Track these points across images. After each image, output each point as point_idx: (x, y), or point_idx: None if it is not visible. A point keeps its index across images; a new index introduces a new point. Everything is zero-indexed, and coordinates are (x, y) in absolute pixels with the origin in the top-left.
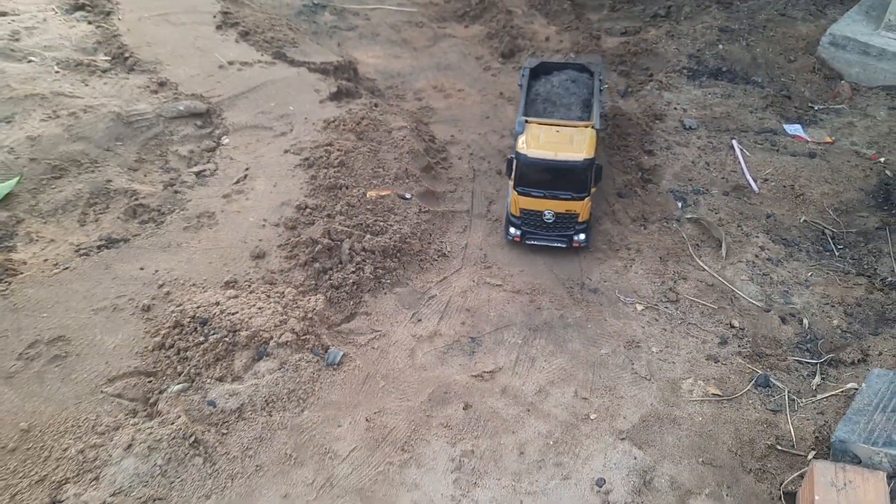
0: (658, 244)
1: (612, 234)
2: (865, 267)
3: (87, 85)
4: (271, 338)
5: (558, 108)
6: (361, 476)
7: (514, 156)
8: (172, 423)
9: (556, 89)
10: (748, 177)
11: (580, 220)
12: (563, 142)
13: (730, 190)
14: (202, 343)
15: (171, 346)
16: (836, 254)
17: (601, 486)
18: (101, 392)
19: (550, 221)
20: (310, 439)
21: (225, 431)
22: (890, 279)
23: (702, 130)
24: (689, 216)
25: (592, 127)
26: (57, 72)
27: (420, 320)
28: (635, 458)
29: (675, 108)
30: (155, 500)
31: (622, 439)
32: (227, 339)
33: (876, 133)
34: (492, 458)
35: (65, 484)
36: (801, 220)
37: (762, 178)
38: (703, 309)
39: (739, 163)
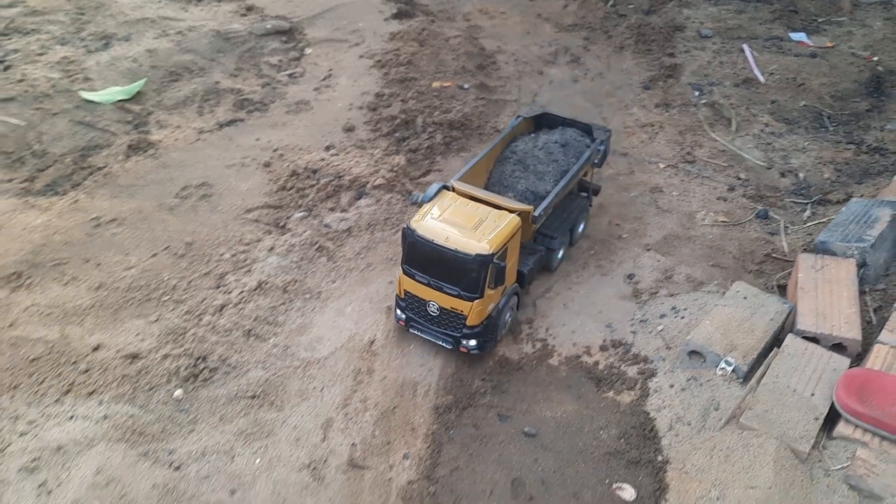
0: (678, 122)
1: (639, 115)
2: (855, 138)
3: (186, 11)
4: (368, 182)
5: (528, 174)
6: None
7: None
8: (301, 235)
9: (536, 150)
10: (756, 71)
11: (468, 323)
12: (466, 224)
13: (740, 82)
14: (315, 185)
15: (292, 188)
16: (831, 129)
17: (631, 279)
18: (243, 218)
19: (435, 314)
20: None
21: (340, 243)
22: (875, 145)
23: (716, 38)
24: (704, 101)
25: (521, 214)
26: (160, 1)
27: None
28: (658, 261)
29: (693, 22)
30: (294, 282)
31: (648, 250)
32: (334, 182)
33: (872, 39)
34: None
35: (225, 275)
36: (802, 105)
37: (768, 73)
38: (715, 167)
39: (749, 61)
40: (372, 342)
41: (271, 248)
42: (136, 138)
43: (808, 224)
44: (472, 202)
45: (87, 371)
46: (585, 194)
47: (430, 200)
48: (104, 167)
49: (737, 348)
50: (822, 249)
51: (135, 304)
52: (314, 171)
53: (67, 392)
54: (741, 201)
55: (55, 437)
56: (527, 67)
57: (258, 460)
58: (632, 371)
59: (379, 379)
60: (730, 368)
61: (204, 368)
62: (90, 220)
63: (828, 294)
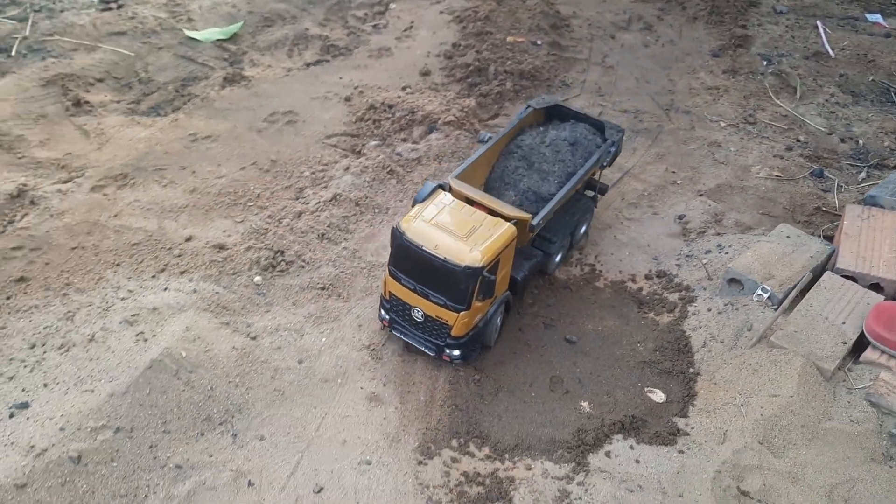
0: (743, 88)
1: (706, 79)
2: None
3: None
4: (439, 119)
5: (532, 173)
6: None
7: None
8: (374, 160)
9: (543, 147)
10: (826, 45)
11: (453, 334)
12: (458, 231)
13: (809, 55)
14: (390, 118)
15: (368, 119)
16: None
17: (682, 219)
18: (323, 143)
19: (420, 321)
20: None
21: (409, 169)
22: None
23: (791, 15)
24: (771, 70)
25: (518, 223)
26: None
27: None
28: (709, 206)
29: None
30: (365, 197)
31: (700, 195)
32: (407, 117)
33: None
34: (603, 201)
35: (304, 189)
36: (870, 79)
37: (839, 48)
38: (775, 129)
39: (820, 35)
40: None
41: (347, 168)
42: (231, 72)
43: (862, 185)
44: (468, 206)
45: (179, 255)
46: (592, 193)
47: (423, 200)
48: (202, 95)
49: (774, 278)
50: (871, 203)
51: (223, 207)
52: (390, 107)
53: (162, 271)
54: (798, 160)
55: (151, 302)
56: (599, 31)
57: (324, 339)
58: (673, 297)
59: None
60: (765, 295)
61: (281, 261)
62: (188, 136)
63: (871, 240)
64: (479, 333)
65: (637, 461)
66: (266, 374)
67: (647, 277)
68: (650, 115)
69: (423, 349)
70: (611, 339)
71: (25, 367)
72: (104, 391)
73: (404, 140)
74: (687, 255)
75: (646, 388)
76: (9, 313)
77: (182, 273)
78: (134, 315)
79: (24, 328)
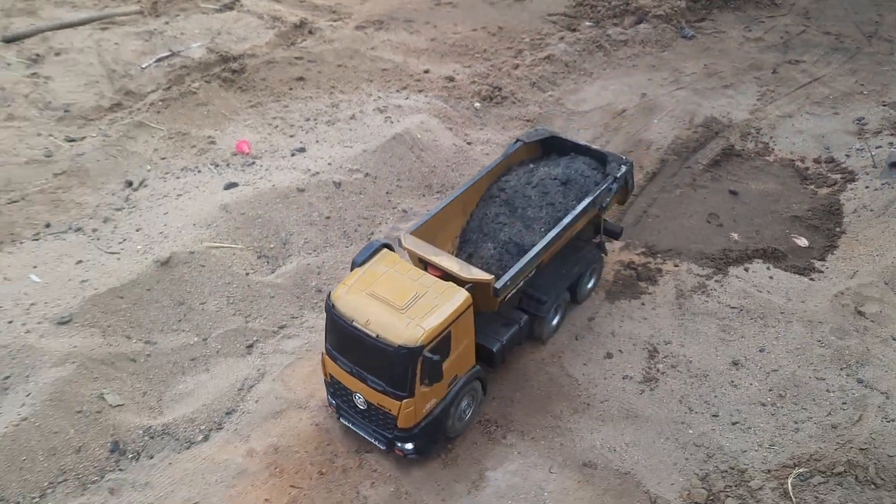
0: None
1: None
2: None
3: None
4: (650, 11)
5: (515, 220)
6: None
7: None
8: (587, 35)
9: (530, 189)
10: None
11: (399, 425)
12: (396, 302)
13: None
14: (606, 5)
15: (587, 4)
16: None
17: (860, 121)
18: (544, 18)
19: (363, 409)
20: (664, 62)
21: (616, 48)
22: None
23: None
24: None
25: (475, 287)
26: None
27: (750, 29)
28: (890, 114)
29: None
30: (574, 62)
31: (884, 104)
32: (621, 6)
33: None
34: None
35: (522, 51)
36: None
37: None
38: None
39: None
40: (623, 111)
41: (562, 38)
42: None
43: None
44: (414, 269)
45: (419, 80)
46: (599, 239)
47: (364, 262)
48: None
49: None
50: None
51: (456, 55)
52: None
53: (405, 88)
54: None
55: (396, 102)
56: None
57: None
58: (835, 176)
59: (623, 133)
60: None
61: (498, 95)
62: (432, 1)
63: None
64: (437, 422)
65: (771, 277)
66: (473, 170)
67: (816, 161)
68: (851, 38)
69: (373, 441)
70: (770, 197)
71: (302, 130)
72: (359, 148)
73: (615, 25)
74: (858, 149)
75: (792, 235)
76: (291, 99)
77: (419, 91)
78: (383, 107)
79: (302, 108)
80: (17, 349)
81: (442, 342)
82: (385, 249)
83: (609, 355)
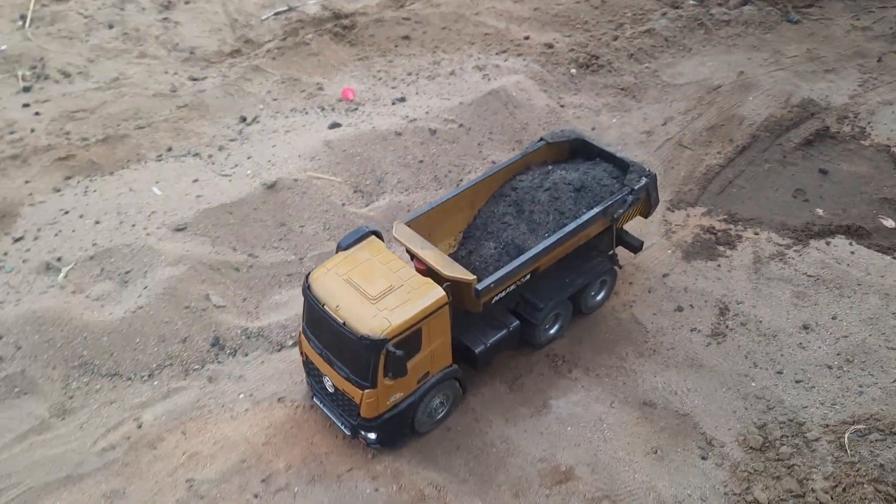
0: None
1: None
2: None
3: None
4: None
5: (520, 222)
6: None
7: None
8: (689, 12)
9: (541, 192)
10: None
11: (361, 414)
12: (370, 291)
13: None
14: None
15: None
16: None
17: None
18: None
19: (331, 392)
20: (766, 44)
21: (718, 27)
22: None
23: None
24: None
25: (453, 286)
26: None
27: (859, 18)
28: None
29: None
30: (673, 36)
31: None
32: None
33: None
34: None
35: (623, 24)
36: None
37: None
38: None
39: None
40: (719, 86)
41: (664, 14)
42: None
43: None
44: (397, 260)
45: (518, 45)
46: (612, 252)
47: (348, 246)
48: None
49: None
50: None
51: (557, 24)
52: None
53: (504, 52)
54: None
55: (494, 63)
56: None
57: (614, 120)
58: None
59: (717, 108)
60: None
61: (594, 63)
62: None
63: None
64: (402, 416)
65: (852, 252)
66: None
67: None
68: None
69: (340, 426)
70: (862, 179)
71: (404, 83)
72: (456, 101)
73: (720, 5)
74: None
75: (880, 216)
76: (395, 55)
77: (518, 55)
78: (482, 66)
79: (405, 64)
80: (138, 249)
81: (410, 338)
82: (373, 236)
83: (679, 308)
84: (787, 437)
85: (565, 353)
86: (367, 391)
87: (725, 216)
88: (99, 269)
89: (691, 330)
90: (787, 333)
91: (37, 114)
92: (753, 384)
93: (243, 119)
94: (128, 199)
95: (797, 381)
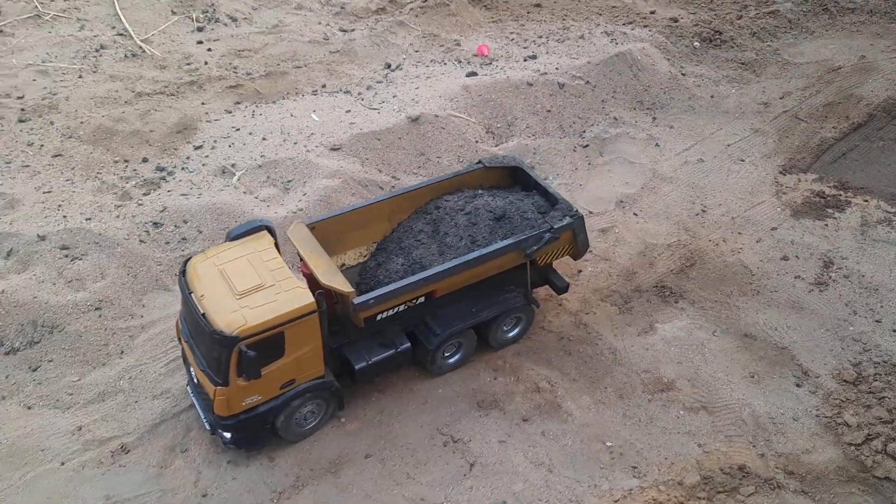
0: None
1: None
2: None
3: None
4: None
5: (432, 242)
6: None
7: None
8: (808, 3)
9: (461, 215)
10: None
11: (215, 410)
12: (239, 285)
13: None
14: None
15: None
16: None
17: None
18: None
19: (196, 382)
20: (891, 32)
21: (841, 15)
22: None
23: None
24: None
25: (323, 294)
26: None
27: None
28: None
29: None
30: (797, 19)
31: None
32: None
33: None
34: None
35: (748, 7)
36: None
37: None
38: None
39: None
40: (839, 68)
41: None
42: None
43: None
44: (277, 259)
45: (644, 18)
46: (527, 290)
47: (236, 237)
48: None
49: None
50: None
51: (682, 2)
52: None
53: (630, 23)
54: None
55: (622, 30)
56: None
57: (733, 90)
58: None
59: (835, 87)
60: None
61: (718, 38)
62: None
63: None
64: (260, 420)
65: None
66: (684, 96)
67: None
68: None
69: (203, 421)
70: None
71: (535, 44)
72: (584, 60)
73: None
74: None
75: None
76: (527, 20)
77: (644, 27)
78: (610, 31)
79: (535, 28)
80: (299, 162)
81: (269, 341)
82: (264, 231)
83: (785, 258)
84: (881, 375)
85: (673, 285)
86: (219, 388)
87: (836, 183)
88: (265, 177)
89: (795, 277)
90: (889, 289)
91: (209, 50)
92: (851, 328)
93: (388, 65)
94: (289, 122)
95: (894, 331)
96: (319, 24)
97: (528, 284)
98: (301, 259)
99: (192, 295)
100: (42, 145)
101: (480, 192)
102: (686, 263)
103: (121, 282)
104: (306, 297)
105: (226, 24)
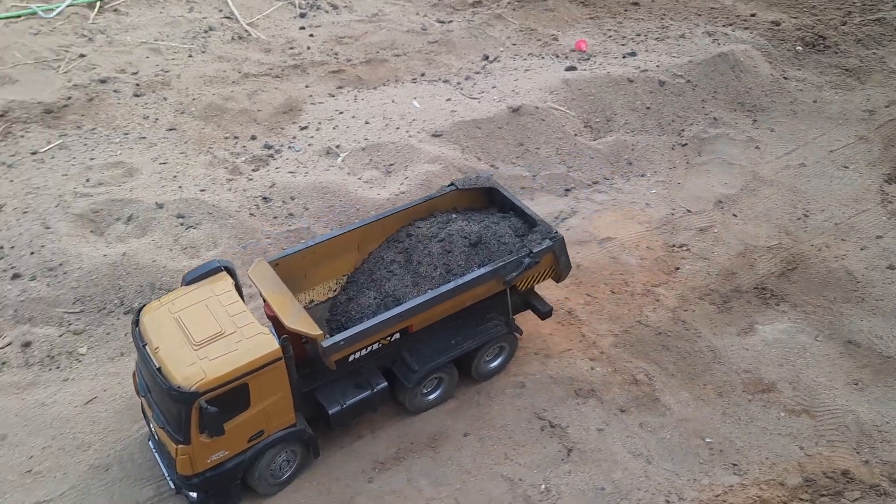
0: None
1: None
2: None
3: None
4: None
5: (405, 273)
6: None
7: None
8: None
9: (434, 242)
10: None
11: (177, 469)
12: (197, 334)
13: None
14: None
15: None
16: None
17: None
18: None
19: (157, 438)
20: None
21: None
22: None
23: None
24: None
25: (289, 339)
26: None
27: None
28: None
29: None
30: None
31: None
32: None
33: None
34: None
35: (850, 13)
36: None
37: None
38: None
39: None
40: None
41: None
42: None
43: None
44: (239, 304)
45: (745, 20)
46: (509, 317)
47: (192, 282)
48: None
49: None
50: None
51: (784, 6)
52: None
53: (730, 25)
54: None
55: (723, 31)
56: None
57: (836, 97)
58: None
59: None
60: None
61: (821, 43)
62: None
63: None
64: (229, 476)
65: None
66: (786, 100)
67: None
68: None
69: (168, 480)
70: None
71: (633, 42)
72: (685, 59)
73: None
74: None
75: None
76: (624, 18)
77: (745, 29)
78: (712, 31)
79: (633, 26)
80: (401, 146)
81: (232, 394)
82: (223, 272)
83: (891, 267)
84: None
85: (774, 287)
86: (180, 447)
87: None
88: (368, 159)
89: None
90: None
91: (311, 36)
92: None
93: (486, 57)
94: (391, 108)
95: None
96: (417, 14)
97: (510, 311)
98: (265, 301)
99: (147, 347)
100: (157, 119)
101: (454, 216)
102: (787, 267)
103: (231, 251)
104: (270, 344)
105: (327, 12)
